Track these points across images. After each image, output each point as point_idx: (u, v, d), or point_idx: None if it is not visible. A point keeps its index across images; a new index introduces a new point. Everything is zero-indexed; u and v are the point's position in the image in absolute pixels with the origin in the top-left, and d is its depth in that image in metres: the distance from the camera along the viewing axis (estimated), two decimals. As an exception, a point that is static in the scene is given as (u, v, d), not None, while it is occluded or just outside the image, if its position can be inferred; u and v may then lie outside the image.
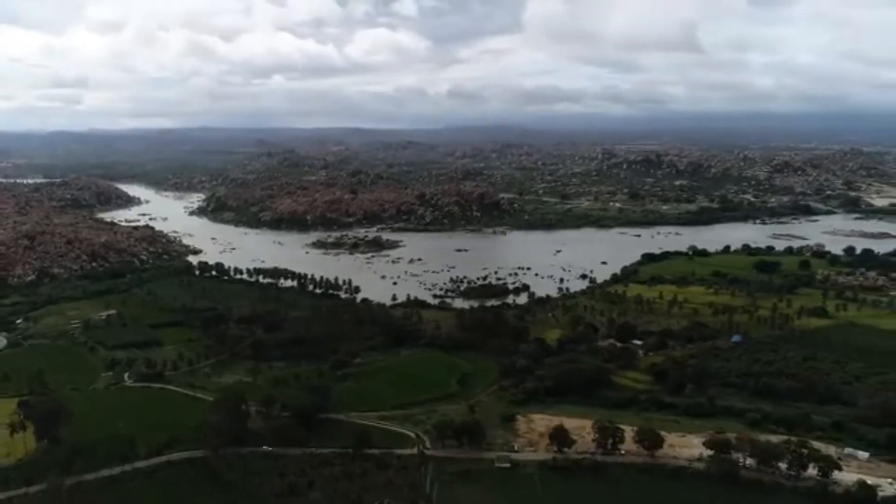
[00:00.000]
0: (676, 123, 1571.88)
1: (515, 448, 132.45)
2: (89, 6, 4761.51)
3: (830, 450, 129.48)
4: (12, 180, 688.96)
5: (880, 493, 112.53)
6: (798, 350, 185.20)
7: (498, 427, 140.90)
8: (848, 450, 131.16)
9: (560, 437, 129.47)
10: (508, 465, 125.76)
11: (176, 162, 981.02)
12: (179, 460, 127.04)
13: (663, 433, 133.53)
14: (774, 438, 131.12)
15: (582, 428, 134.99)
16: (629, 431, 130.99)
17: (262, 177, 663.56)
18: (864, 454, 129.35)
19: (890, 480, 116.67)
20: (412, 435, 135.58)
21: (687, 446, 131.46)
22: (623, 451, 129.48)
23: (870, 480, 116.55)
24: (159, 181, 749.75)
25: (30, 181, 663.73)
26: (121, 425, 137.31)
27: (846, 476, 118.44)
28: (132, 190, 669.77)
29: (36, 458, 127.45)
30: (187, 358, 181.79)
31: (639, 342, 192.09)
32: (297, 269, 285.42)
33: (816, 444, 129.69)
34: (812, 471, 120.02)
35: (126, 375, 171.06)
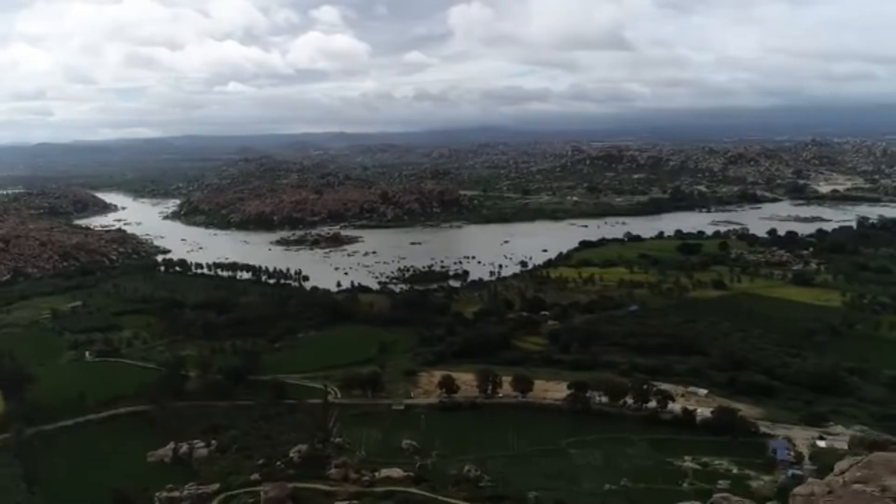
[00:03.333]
0: (648, 121, 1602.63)
1: (412, 395, 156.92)
2: (20, 22, 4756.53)
3: (679, 389, 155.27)
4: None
5: (698, 417, 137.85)
6: (684, 315, 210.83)
7: (402, 381, 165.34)
8: (691, 388, 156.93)
9: (447, 384, 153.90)
10: (402, 407, 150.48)
11: (156, 170, 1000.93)
12: (125, 413, 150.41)
13: (541, 380, 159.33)
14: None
15: (473, 379, 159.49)
16: (507, 379, 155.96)
17: (237, 181, 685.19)
18: (703, 391, 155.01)
19: (712, 409, 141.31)
20: (322, 387, 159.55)
21: (555, 390, 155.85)
22: (501, 395, 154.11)
23: (699, 409, 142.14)
24: (138, 189, 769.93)
25: (10, 192, 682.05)
26: (77, 389, 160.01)
27: (677, 406, 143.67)
28: (111, 198, 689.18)
29: (3, 414, 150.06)
30: (142, 337, 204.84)
31: (546, 313, 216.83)
32: (256, 264, 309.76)
33: (669, 386, 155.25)
34: (652, 403, 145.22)
35: (87, 353, 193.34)
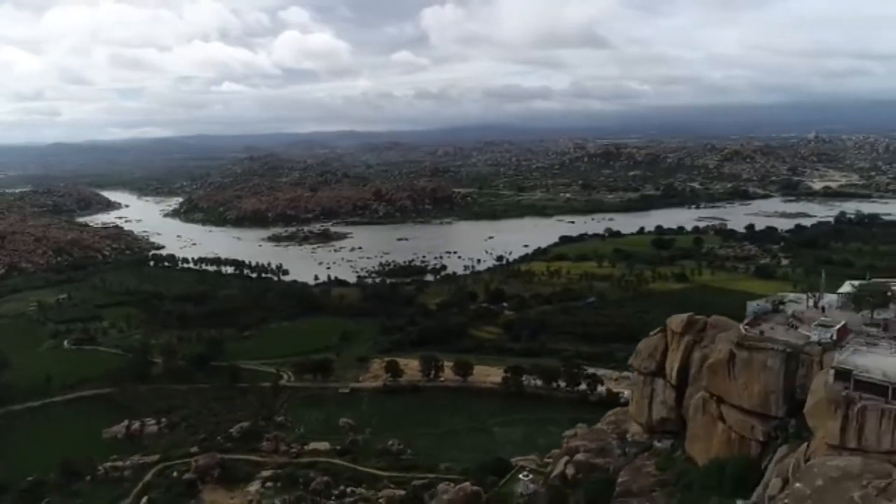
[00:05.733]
0: (653, 118, 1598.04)
1: (359, 379, 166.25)
2: (2, 25, 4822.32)
3: (614, 373, 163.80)
4: (1, 190, 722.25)
5: (622, 398, 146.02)
6: (639, 306, 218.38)
7: (354, 367, 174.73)
8: (626, 373, 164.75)
9: (392, 368, 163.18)
10: (348, 390, 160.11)
11: (164, 169, 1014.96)
12: (90, 395, 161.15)
13: (485, 366, 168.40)
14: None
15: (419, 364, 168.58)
16: (450, 364, 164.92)
17: (240, 179, 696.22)
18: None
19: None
20: (274, 371, 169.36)
21: (495, 374, 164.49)
22: (443, 379, 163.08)
23: (626, 392, 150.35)
24: (143, 187, 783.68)
25: (18, 190, 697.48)
26: (51, 373, 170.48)
27: (605, 388, 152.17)
28: (116, 196, 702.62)
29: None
30: (119, 327, 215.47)
31: (506, 304, 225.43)
32: (241, 259, 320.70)
33: (607, 371, 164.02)
34: (583, 386, 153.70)
35: (65, 341, 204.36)
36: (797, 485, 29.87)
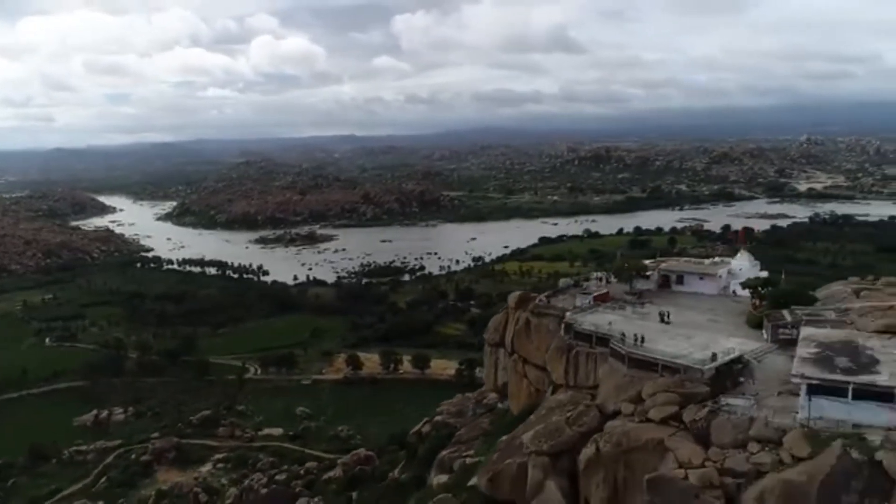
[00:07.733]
0: (651, 121, 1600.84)
1: (322, 372, 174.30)
2: None
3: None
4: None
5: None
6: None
7: (318, 360, 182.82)
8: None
9: (353, 362, 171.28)
10: (310, 382, 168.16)
11: (162, 174, 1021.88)
12: (64, 387, 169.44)
13: (444, 360, 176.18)
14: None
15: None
16: (408, 357, 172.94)
17: (234, 183, 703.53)
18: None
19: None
20: (240, 364, 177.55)
21: (452, 368, 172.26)
22: (402, 372, 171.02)
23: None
24: (139, 192, 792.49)
25: (15, 195, 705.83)
26: (30, 368, 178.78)
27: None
28: (112, 200, 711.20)
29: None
30: (99, 325, 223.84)
31: (473, 302, 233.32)
32: (225, 260, 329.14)
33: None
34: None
35: (47, 339, 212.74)
36: (531, 417, 37.62)
